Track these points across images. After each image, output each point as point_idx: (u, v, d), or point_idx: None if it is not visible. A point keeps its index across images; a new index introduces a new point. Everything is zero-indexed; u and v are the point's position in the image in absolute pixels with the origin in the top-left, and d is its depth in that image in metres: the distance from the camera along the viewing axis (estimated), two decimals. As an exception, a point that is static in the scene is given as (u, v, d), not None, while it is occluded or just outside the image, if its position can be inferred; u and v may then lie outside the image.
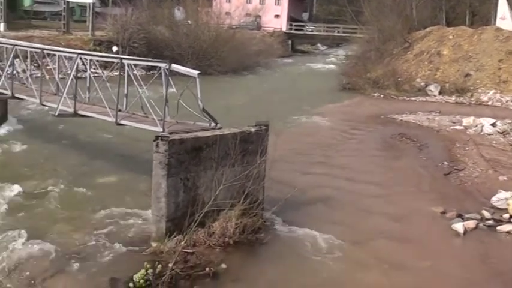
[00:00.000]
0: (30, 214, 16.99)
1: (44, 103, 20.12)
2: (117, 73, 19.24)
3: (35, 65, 26.14)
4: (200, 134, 15.03)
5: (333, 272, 14.11)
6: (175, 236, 14.21)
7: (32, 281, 13.37)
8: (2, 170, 20.74)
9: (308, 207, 17.82)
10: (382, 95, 44.69)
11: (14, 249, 14.65)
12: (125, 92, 16.93)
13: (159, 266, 12.91)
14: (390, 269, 14.33)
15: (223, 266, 13.57)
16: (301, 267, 14.20)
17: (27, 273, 13.67)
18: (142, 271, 12.64)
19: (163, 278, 12.63)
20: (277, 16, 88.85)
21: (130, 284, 12.46)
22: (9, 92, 21.64)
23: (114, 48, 48.64)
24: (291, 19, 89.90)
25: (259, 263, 14.58)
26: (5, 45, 23.36)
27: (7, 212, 17.07)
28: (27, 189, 18.58)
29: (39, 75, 22.39)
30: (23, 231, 15.40)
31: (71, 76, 18.58)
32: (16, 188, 18.55)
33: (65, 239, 15.21)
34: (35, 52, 22.14)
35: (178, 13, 63.69)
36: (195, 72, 15.45)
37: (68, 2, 58.42)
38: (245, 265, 14.00)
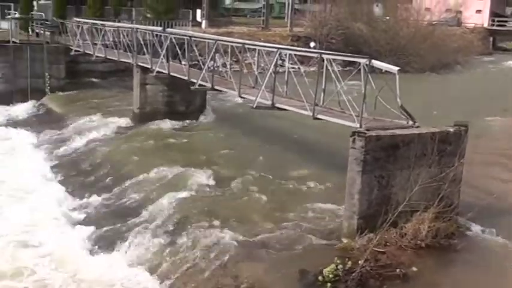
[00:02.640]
0: (221, 201, 17.69)
1: (243, 95, 20.74)
2: (313, 68, 19.36)
3: (234, 59, 27.03)
4: (397, 131, 14.68)
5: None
6: (366, 234, 14.01)
7: (223, 266, 13.91)
8: (198, 156, 21.82)
9: (507, 217, 16.79)
10: None
11: (205, 235, 15.32)
12: (323, 86, 16.96)
13: (349, 262, 12.81)
14: None
15: (414, 268, 13.13)
16: (496, 280, 13.41)
17: (219, 258, 14.23)
18: (332, 266, 12.62)
19: (353, 274, 12.51)
20: (478, 11, 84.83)
21: (320, 278, 12.48)
22: (209, 84, 22.53)
23: (312, 44, 49.09)
24: (493, 14, 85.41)
25: (452, 270, 13.90)
26: (207, 41, 24.35)
27: (199, 198, 17.92)
28: (221, 176, 19.42)
29: (237, 69, 23.09)
30: (213, 218, 16.12)
31: (270, 70, 18.95)
32: (210, 175, 19.48)
33: (255, 227, 15.66)
34: (236, 47, 22.89)
35: (377, 9, 63.09)
36: (395, 69, 15.11)
37: (268, -1, 60.14)
38: (436, 270, 13.46)
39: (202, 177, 19.27)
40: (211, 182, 19.04)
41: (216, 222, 15.83)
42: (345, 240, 14.24)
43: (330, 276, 12.44)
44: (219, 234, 15.18)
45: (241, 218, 16.25)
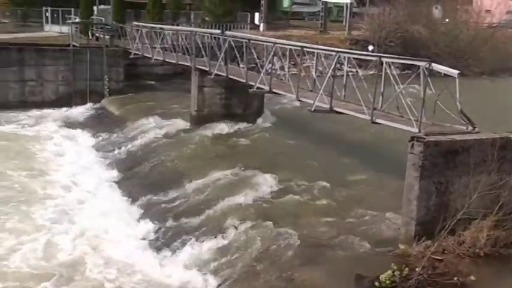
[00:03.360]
0: (278, 203, 17.73)
1: (301, 99, 20.69)
2: (372, 72, 19.18)
3: (292, 62, 27.04)
4: (457, 137, 14.43)
5: None
6: (423, 241, 13.80)
7: (279, 269, 13.94)
8: (256, 158, 21.98)
9: None
10: None
11: (262, 238, 15.37)
12: (381, 90, 16.80)
13: (406, 269, 12.63)
14: None
15: (472, 278, 12.82)
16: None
17: (275, 260, 14.29)
18: (389, 272, 12.47)
19: (410, 282, 12.35)
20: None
21: (376, 283, 12.35)
22: (267, 87, 22.58)
23: (370, 47, 48.71)
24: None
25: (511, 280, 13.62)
26: (265, 43, 24.40)
27: (256, 200, 18.03)
28: (278, 179, 19.40)
29: (295, 72, 23.06)
30: (270, 220, 16.17)
31: (329, 73, 18.88)
32: (267, 177, 19.51)
33: (312, 230, 15.64)
34: (294, 50, 22.87)
35: (436, 11, 62.13)
36: (455, 72, 14.88)
37: (326, 2, 59.81)
38: (495, 280, 13.16)
39: (259, 180, 19.35)
40: (269, 184, 19.07)
41: (273, 225, 15.88)
42: (402, 247, 14.07)
43: (387, 282, 12.31)
44: (276, 237, 15.26)
45: (297, 221, 16.25)
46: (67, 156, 26.50)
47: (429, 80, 14.89)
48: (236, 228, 16.21)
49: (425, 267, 12.75)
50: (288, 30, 57.36)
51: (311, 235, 15.31)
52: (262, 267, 14.24)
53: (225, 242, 15.81)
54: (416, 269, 12.60)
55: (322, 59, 20.77)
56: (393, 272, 12.46)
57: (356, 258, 13.94)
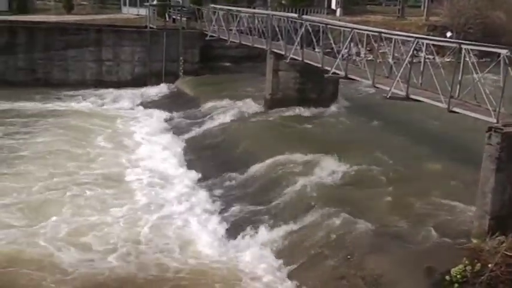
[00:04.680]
0: (349, 190, 17.59)
1: (376, 85, 20.37)
2: (449, 59, 18.70)
3: (368, 48, 26.65)
4: (537, 129, 13.91)
5: None
6: (497, 236, 13.38)
7: (349, 256, 13.85)
8: (328, 144, 21.76)
9: None
10: None
11: (331, 223, 15.33)
12: (459, 78, 16.33)
13: (478, 264, 12.30)
14: None
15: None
16: None
17: (345, 247, 14.20)
18: (461, 266, 12.18)
19: (482, 278, 12.05)
20: None
21: (447, 277, 12.11)
22: (343, 73, 22.33)
23: (449, 34, 47.58)
24: None
25: None
26: (342, 29, 24.11)
27: (327, 186, 17.95)
28: (350, 165, 19.20)
29: (370, 58, 22.71)
30: (340, 206, 16.02)
31: (406, 60, 18.49)
32: (339, 163, 19.34)
33: (383, 219, 15.44)
34: (372, 36, 22.49)
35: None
36: (536, 62, 14.32)
37: (404, -13, 58.78)
38: None
39: (331, 165, 19.19)
40: (341, 170, 18.90)
41: (343, 211, 15.74)
42: (474, 241, 13.69)
43: (458, 276, 12.04)
44: (346, 223, 15.14)
45: (368, 208, 16.06)
46: (139, 134, 26.99)
47: (510, 68, 14.39)
48: (306, 211, 16.15)
49: (498, 263, 12.38)
50: (365, 15, 56.66)
51: (380, 223, 15.10)
52: (331, 253, 14.20)
53: (294, 225, 15.84)
54: (489, 265, 12.27)
55: (400, 45, 20.37)
56: (465, 267, 12.17)
57: (426, 250, 13.64)
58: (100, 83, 36.72)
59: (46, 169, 21.22)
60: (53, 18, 43.75)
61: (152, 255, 15.38)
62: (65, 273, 14.21)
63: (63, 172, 21.08)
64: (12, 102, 31.33)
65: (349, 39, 22.07)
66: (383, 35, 21.18)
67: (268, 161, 20.31)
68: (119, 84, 36.75)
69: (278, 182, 18.83)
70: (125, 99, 34.08)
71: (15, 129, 26.57)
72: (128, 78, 37.46)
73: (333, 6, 57.09)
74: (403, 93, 18.40)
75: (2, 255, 14.97)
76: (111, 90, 35.80)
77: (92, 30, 37.56)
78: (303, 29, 25.22)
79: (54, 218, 17.10)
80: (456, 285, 11.94)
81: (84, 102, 32.91)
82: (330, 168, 18.97)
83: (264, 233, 15.91)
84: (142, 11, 43.09)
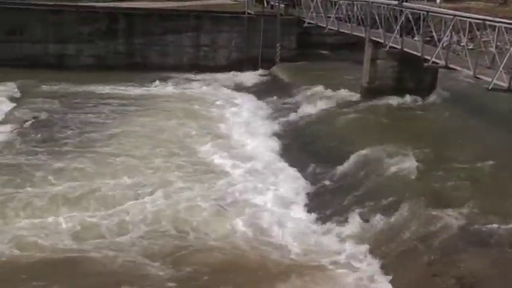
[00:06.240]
0: (445, 184, 16.87)
1: (478, 76, 19.71)
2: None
3: (469, 37, 25.85)
4: None
5: None
6: None
7: (443, 253, 13.34)
8: (425, 135, 21.39)
9: None
10: None
11: (423, 217, 14.85)
12: None
13: None
14: None
15: None
16: None
17: (439, 243, 13.70)
18: None
19: None
20: None
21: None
22: (443, 62, 21.73)
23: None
24: None
25: None
26: (444, 16, 23.46)
27: (421, 178, 17.33)
28: (445, 159, 18.65)
29: (471, 47, 22.02)
30: (435, 200, 15.57)
31: (511, 50, 17.80)
32: (434, 156, 18.83)
33: (476, 215, 14.66)
34: (475, 23, 21.74)
35: None
36: None
37: (510, -29, 56.57)
38: None
39: (424, 156, 18.68)
40: (435, 163, 18.30)
41: (438, 205, 15.24)
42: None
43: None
44: (437, 218, 14.64)
45: (464, 203, 15.34)
46: (233, 119, 27.28)
47: None
48: (398, 204, 15.80)
49: None
50: (466, 1, 54.96)
51: (474, 219, 14.44)
52: (423, 249, 13.73)
53: (386, 218, 15.44)
54: None
55: (505, 33, 19.61)
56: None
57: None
58: (196, 67, 37.47)
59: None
60: (150, 4, 44.64)
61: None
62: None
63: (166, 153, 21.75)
64: (113, 88, 32.56)
65: (450, 27, 21.44)
66: (487, 22, 20.43)
67: (361, 152, 19.88)
68: (215, 69, 37.35)
69: (369, 172, 18.48)
70: (220, 83, 34.64)
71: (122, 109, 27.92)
72: (223, 63, 37.99)
73: (434, -8, 55.67)
74: (506, 85, 17.73)
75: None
76: (207, 74, 36.46)
77: (191, 16, 38.28)
78: (403, 17, 24.70)
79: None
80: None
81: (181, 86, 33.71)
82: (422, 160, 18.38)
83: (354, 224, 15.66)
84: (240, -3, 43.41)
